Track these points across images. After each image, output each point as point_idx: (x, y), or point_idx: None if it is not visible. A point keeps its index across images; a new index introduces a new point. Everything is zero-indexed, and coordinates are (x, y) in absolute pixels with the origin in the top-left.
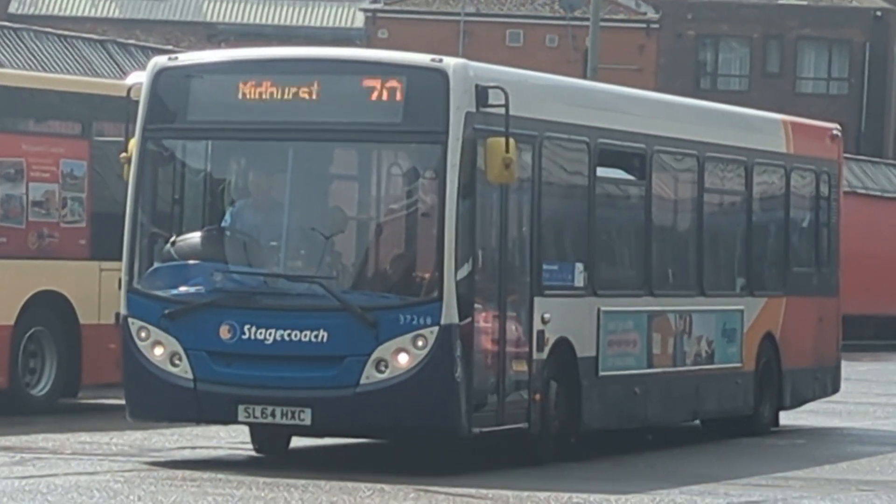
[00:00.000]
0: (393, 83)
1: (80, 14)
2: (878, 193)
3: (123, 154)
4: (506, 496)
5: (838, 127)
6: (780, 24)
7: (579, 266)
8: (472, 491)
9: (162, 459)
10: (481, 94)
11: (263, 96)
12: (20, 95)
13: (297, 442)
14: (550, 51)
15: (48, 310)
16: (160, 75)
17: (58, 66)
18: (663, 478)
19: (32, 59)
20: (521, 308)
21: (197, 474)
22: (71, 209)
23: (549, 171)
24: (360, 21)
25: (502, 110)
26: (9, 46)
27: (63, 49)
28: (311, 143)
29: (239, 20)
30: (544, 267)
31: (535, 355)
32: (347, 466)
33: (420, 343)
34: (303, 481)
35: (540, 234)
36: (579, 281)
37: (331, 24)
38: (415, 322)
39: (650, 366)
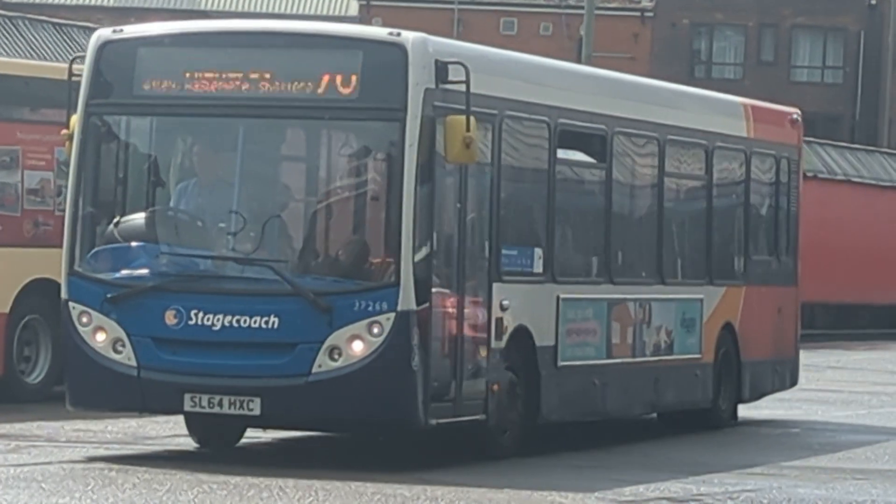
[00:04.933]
0: (349, 58)
1: (74, 3)
2: (874, 182)
3: (65, 131)
4: (466, 493)
5: (798, 111)
6: (774, 12)
7: (538, 251)
8: (425, 488)
9: (156, 447)
10: (441, 69)
11: (213, 70)
12: (15, 83)
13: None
14: (545, 39)
15: (43, 298)
16: (104, 48)
17: (52, 54)
18: (657, 468)
19: (28, 47)
20: (479, 294)
21: (191, 463)
22: (66, 197)
23: (508, 152)
24: (354, 9)
25: (463, 87)
26: (4, 35)
27: (58, 37)
28: (261, 119)
29: (232, 8)
30: (503, 252)
31: (493, 343)
32: (292, 461)
33: (376, 330)
34: (257, 479)
35: (499, 217)
36: (538, 267)
37: (325, 12)
38: (370, 308)
39: (610, 356)
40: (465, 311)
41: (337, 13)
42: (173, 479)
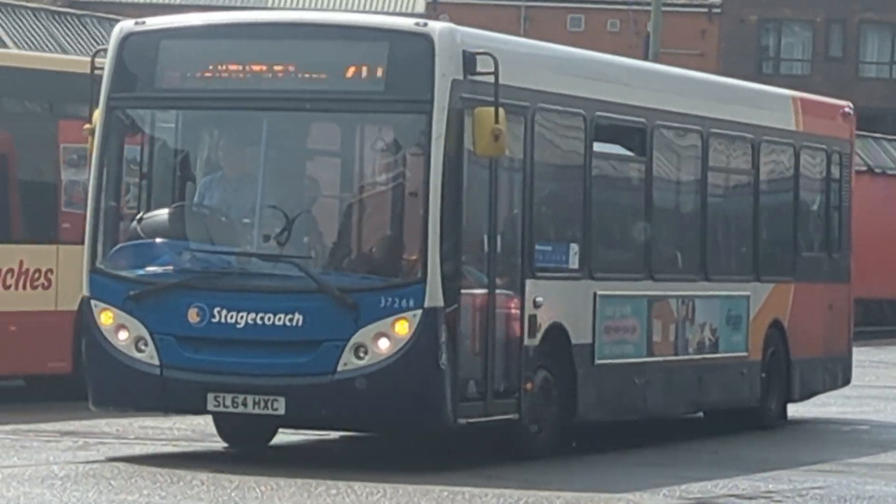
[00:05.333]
0: (375, 49)
1: (141, 0)
2: None
3: (87, 126)
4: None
5: (850, 105)
6: (842, 7)
7: (574, 247)
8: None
9: (223, 444)
10: (469, 60)
11: (237, 63)
12: (85, 82)
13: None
14: (612, 36)
15: None
16: (126, 41)
17: None
18: (727, 465)
19: (95, 44)
20: (511, 291)
21: (258, 460)
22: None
23: (541, 146)
24: (420, 6)
25: (491, 78)
26: (72, 32)
27: None
28: (286, 113)
29: (297, 4)
30: (537, 247)
31: (526, 341)
32: (316, 461)
33: (402, 327)
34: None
35: (532, 212)
36: (574, 263)
37: (391, 10)
38: (396, 305)
39: (650, 354)
40: (496, 308)
41: (403, 10)
42: (241, 477)
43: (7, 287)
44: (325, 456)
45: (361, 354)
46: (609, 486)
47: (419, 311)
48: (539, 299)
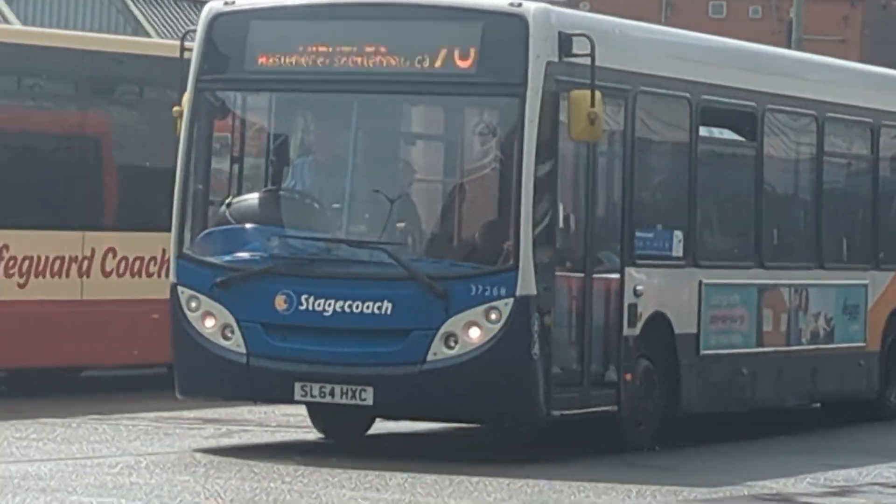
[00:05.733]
0: (467, 29)
1: None
2: None
3: (176, 108)
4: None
5: None
6: None
7: (678, 234)
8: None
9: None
10: (565, 41)
11: (327, 44)
12: None
13: None
14: (754, 22)
15: None
16: (215, 21)
17: None
18: (870, 452)
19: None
20: (609, 279)
21: (395, 445)
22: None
23: (643, 129)
24: None
25: (588, 60)
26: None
27: None
28: (376, 95)
29: None
30: (637, 234)
31: (625, 331)
32: (405, 453)
33: (493, 316)
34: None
35: (632, 198)
36: (678, 250)
37: None
38: (487, 293)
39: (760, 344)
40: (593, 296)
41: None
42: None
43: (150, 275)
44: (422, 446)
45: (452, 344)
46: (745, 476)
47: (511, 300)
48: (639, 288)
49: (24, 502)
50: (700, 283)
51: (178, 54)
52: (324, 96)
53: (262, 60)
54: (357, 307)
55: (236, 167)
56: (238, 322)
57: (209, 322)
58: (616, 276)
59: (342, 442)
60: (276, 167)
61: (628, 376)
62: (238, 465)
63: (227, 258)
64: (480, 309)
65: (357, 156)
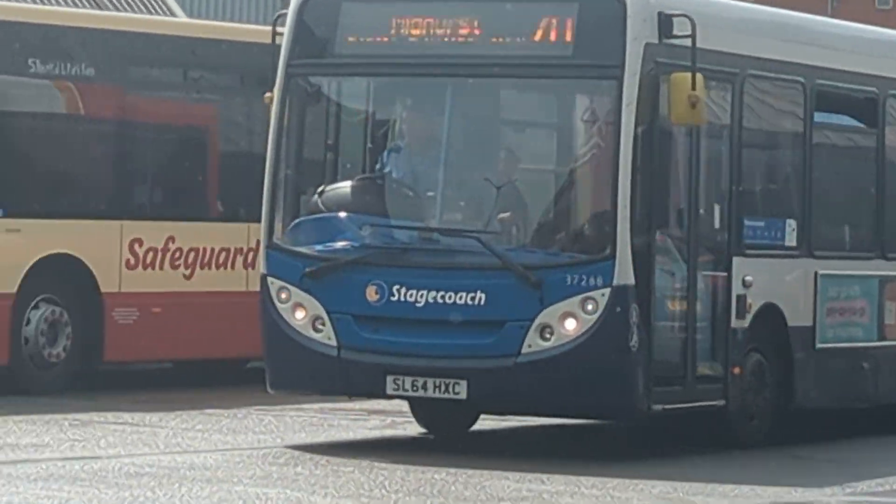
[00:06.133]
0: (564, 12)
1: None
2: None
3: (268, 94)
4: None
5: None
6: None
7: (791, 223)
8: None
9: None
10: (664, 23)
11: (420, 26)
12: None
13: None
14: None
15: None
16: (306, 4)
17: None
18: None
19: None
20: (716, 269)
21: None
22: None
23: (752, 115)
24: None
25: (689, 42)
26: None
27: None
28: (470, 79)
29: None
30: (746, 223)
31: (733, 323)
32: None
33: (590, 307)
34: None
35: (740, 186)
36: (791, 240)
37: None
38: (584, 283)
39: (882, 338)
40: (698, 286)
41: None
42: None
43: None
44: (524, 441)
45: (547, 335)
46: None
47: (608, 290)
48: (748, 278)
49: (190, 492)
50: (816, 273)
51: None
52: (416, 80)
53: (353, 44)
54: (450, 298)
55: (329, 154)
56: (329, 313)
57: (299, 314)
58: (723, 266)
59: (445, 438)
60: (369, 154)
61: (736, 370)
62: (402, 455)
63: (318, 248)
64: (577, 299)
65: (450, 141)
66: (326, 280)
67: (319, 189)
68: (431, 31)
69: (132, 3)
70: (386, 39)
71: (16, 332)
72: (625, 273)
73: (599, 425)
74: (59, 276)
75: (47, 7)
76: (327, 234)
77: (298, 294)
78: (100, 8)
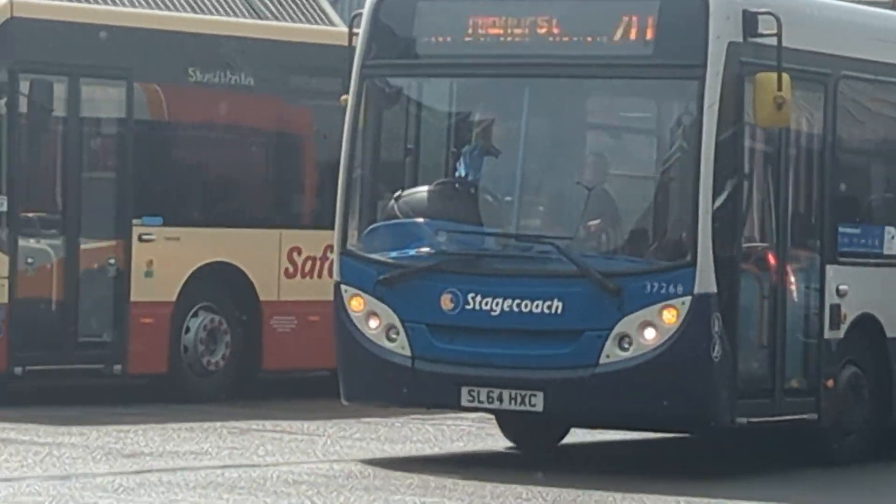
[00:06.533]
0: (644, 11)
1: None
2: None
3: (344, 97)
4: None
5: None
6: None
7: (891, 230)
8: None
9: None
10: (749, 21)
11: (497, 27)
12: None
13: None
14: None
15: None
16: (381, 3)
17: None
18: None
19: None
20: (806, 277)
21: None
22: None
23: (847, 117)
24: None
25: (775, 41)
26: None
27: None
28: (548, 80)
29: None
30: (840, 230)
31: (826, 333)
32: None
33: (669, 316)
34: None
35: (835, 191)
36: (891, 248)
37: None
38: (664, 291)
39: None
40: (788, 296)
41: None
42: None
43: None
44: (612, 455)
45: (626, 345)
46: None
47: (688, 298)
48: (843, 287)
49: (348, 501)
50: None
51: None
52: (493, 81)
53: (429, 43)
54: (526, 306)
55: (405, 158)
56: (403, 322)
57: (373, 322)
58: (815, 274)
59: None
60: (446, 157)
61: (829, 382)
62: (564, 462)
63: (393, 255)
64: (656, 308)
65: (527, 144)
66: (400, 288)
67: (396, 194)
68: (509, 31)
69: (291, 12)
70: (462, 39)
71: (175, 341)
72: (706, 281)
73: (691, 438)
74: (218, 285)
75: (208, 17)
76: (402, 240)
77: (372, 302)
78: (259, 18)
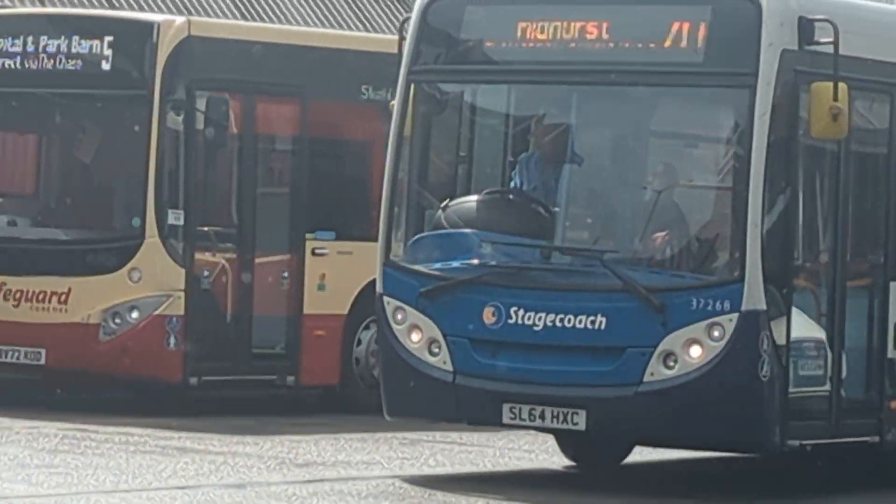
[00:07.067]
0: (696, 15)
1: None
2: None
3: (392, 102)
4: None
5: None
6: None
7: None
8: None
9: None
10: (805, 28)
11: (545, 31)
12: None
13: None
14: None
15: None
16: (429, 8)
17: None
18: None
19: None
20: (869, 294)
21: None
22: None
23: None
24: None
25: (832, 49)
26: None
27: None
28: (596, 87)
29: None
30: None
31: (890, 353)
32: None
33: (716, 333)
34: None
35: None
36: None
37: None
38: (710, 308)
39: None
40: (847, 314)
41: None
42: None
43: None
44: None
45: (671, 363)
46: None
47: (735, 315)
48: None
49: None
50: None
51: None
52: (541, 87)
53: (476, 49)
54: (569, 321)
55: (453, 167)
56: (445, 336)
57: (415, 336)
58: (879, 291)
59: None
60: (491, 167)
61: (894, 404)
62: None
63: (436, 266)
64: (702, 325)
65: (575, 154)
66: (442, 301)
67: (443, 204)
68: (558, 36)
69: None
70: (510, 44)
71: (346, 353)
72: (755, 297)
73: (756, 459)
74: None
75: (378, 35)
76: (447, 251)
77: (415, 315)
78: None
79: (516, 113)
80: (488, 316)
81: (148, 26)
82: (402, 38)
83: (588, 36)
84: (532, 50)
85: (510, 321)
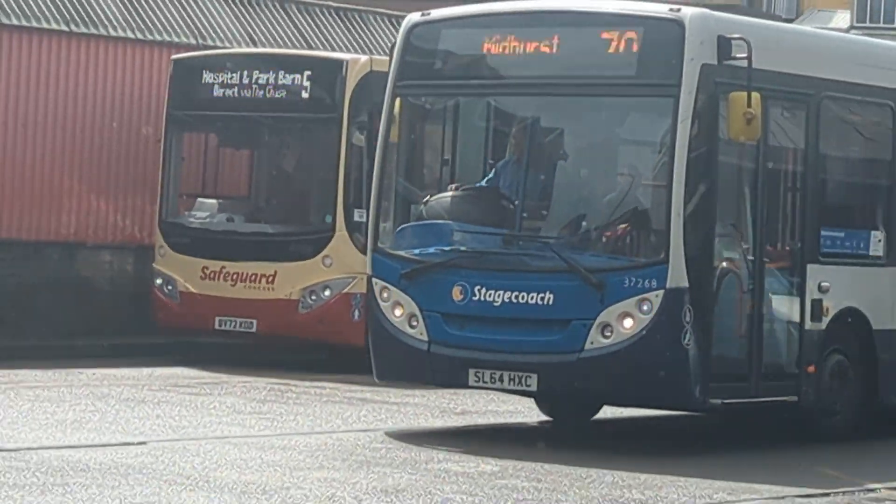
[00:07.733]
0: (629, 35)
1: None
2: None
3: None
4: None
5: None
6: None
7: (876, 234)
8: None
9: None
10: (723, 45)
11: (506, 51)
12: None
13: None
14: None
15: None
16: (412, 31)
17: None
18: None
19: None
20: (789, 275)
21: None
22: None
23: (830, 135)
24: None
25: (746, 63)
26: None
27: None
28: (548, 98)
29: None
30: (823, 233)
31: (808, 325)
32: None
33: (645, 307)
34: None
35: (815, 199)
36: (877, 250)
37: None
38: (640, 285)
39: None
40: (767, 291)
41: None
42: None
43: None
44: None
45: (607, 333)
46: None
47: (661, 291)
48: (825, 284)
49: None
50: None
51: None
52: (503, 98)
53: (450, 68)
54: (523, 298)
55: (433, 167)
56: (421, 311)
57: (398, 311)
58: (796, 272)
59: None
60: (463, 167)
61: (811, 368)
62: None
63: (415, 252)
64: (633, 300)
65: (530, 155)
66: (419, 281)
67: (424, 199)
68: (516, 54)
69: None
70: (478, 62)
71: None
72: (678, 276)
73: (707, 416)
74: None
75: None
76: (424, 239)
77: (397, 293)
78: None
79: (486, 121)
80: (456, 294)
81: (339, 63)
82: (391, 57)
83: (542, 54)
84: (495, 67)
85: (475, 298)
